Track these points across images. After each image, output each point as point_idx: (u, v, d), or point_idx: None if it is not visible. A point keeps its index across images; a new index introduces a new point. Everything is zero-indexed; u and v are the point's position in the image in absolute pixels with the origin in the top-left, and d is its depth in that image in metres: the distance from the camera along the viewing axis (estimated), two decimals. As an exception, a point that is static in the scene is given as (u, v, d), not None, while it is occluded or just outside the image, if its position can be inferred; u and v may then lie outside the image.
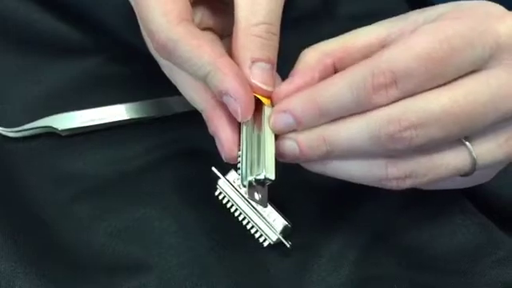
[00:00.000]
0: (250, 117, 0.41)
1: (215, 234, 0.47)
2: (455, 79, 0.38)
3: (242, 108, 0.41)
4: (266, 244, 0.45)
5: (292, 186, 0.47)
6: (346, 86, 0.39)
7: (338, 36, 0.43)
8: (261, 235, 0.45)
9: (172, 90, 0.48)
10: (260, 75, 0.42)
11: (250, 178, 0.41)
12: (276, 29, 0.43)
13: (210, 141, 0.50)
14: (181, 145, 0.51)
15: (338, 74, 0.40)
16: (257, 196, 0.41)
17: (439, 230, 0.46)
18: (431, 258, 0.45)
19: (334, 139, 0.40)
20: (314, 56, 0.43)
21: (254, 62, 0.42)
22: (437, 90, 0.38)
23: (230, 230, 0.46)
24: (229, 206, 0.46)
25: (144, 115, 0.52)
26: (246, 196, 0.42)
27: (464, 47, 0.37)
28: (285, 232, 0.45)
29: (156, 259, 0.45)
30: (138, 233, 0.47)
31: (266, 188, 0.42)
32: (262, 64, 0.42)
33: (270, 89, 0.42)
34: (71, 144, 0.50)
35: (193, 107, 0.51)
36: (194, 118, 0.51)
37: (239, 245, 0.46)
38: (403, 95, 0.38)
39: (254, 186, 0.41)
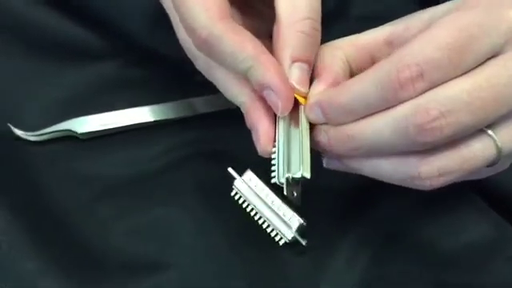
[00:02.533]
0: (288, 112, 0.43)
1: (232, 233, 0.47)
2: (475, 67, 0.39)
3: (282, 102, 0.42)
4: (281, 242, 0.46)
5: (305, 186, 0.48)
6: (371, 83, 0.39)
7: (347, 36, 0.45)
8: (276, 234, 0.46)
9: (189, 91, 0.49)
10: (298, 76, 0.43)
11: (287, 175, 0.42)
12: (319, 25, 0.43)
13: (228, 142, 0.51)
14: (198, 146, 0.52)
15: (362, 73, 0.40)
16: (294, 194, 0.42)
17: (452, 228, 0.47)
18: (444, 256, 0.46)
19: (360, 137, 0.40)
20: (328, 51, 0.44)
21: (294, 61, 0.43)
22: (460, 77, 0.38)
23: (247, 229, 0.47)
24: (245, 205, 0.47)
25: (162, 117, 0.52)
26: (284, 193, 0.42)
27: (481, 35, 0.38)
28: (300, 230, 0.45)
29: (174, 259, 0.46)
30: (156, 232, 0.47)
31: (300, 186, 0.43)
32: (302, 65, 0.43)
33: (305, 90, 0.43)
34: (90, 147, 0.51)
35: (210, 108, 0.52)
36: (211, 120, 0.53)
37: (255, 244, 0.47)
38: (429, 87, 0.38)
39: (289, 184, 0.42)
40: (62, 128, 0.51)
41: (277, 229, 0.46)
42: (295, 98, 0.43)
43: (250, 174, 0.47)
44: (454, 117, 0.38)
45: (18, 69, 0.54)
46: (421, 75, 0.38)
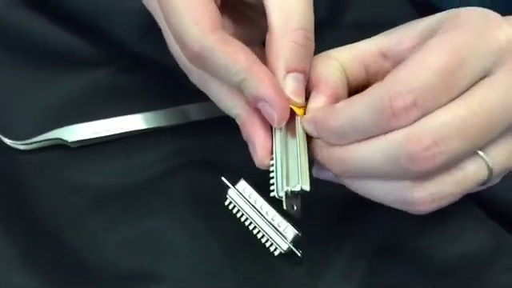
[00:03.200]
0: (284, 123, 0.42)
1: (226, 244, 0.46)
2: (467, 89, 0.38)
3: (277, 114, 0.41)
4: (276, 253, 0.45)
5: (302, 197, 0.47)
6: (363, 109, 0.39)
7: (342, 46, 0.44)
8: (271, 244, 0.45)
9: (184, 97, 0.48)
10: (293, 87, 0.42)
11: (286, 188, 0.41)
12: (312, 35, 0.43)
13: (221, 150, 0.50)
14: (191, 154, 0.51)
15: (355, 97, 0.40)
16: (294, 207, 0.42)
17: (450, 237, 0.46)
18: (442, 265, 0.45)
19: (350, 161, 0.40)
20: (325, 62, 0.43)
21: (288, 72, 0.42)
22: (452, 103, 0.38)
23: (241, 240, 0.46)
24: (239, 215, 0.47)
25: (155, 125, 0.52)
26: (284, 207, 0.42)
27: (472, 56, 0.38)
28: (295, 241, 0.45)
29: (168, 270, 0.45)
30: (150, 244, 0.47)
31: (300, 198, 0.42)
32: (297, 75, 0.42)
33: (301, 101, 0.43)
34: (81, 155, 0.51)
35: (203, 115, 0.52)
36: (204, 127, 0.52)
37: (250, 255, 0.46)
38: (423, 114, 0.38)
39: (288, 197, 0.41)
40: (52, 137, 0.50)
41: (271, 239, 0.45)
42: (291, 109, 0.42)
43: (243, 184, 0.46)
44: (447, 145, 0.37)
45: (7, 76, 0.54)
46: (414, 103, 0.37)
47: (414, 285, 0.45)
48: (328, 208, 0.48)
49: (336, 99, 0.42)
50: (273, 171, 0.42)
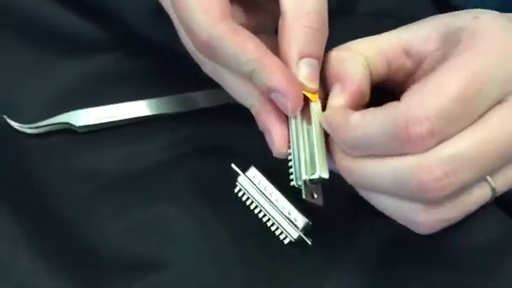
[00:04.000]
0: (299, 111, 0.42)
1: (234, 231, 0.46)
2: (483, 115, 0.38)
3: (291, 103, 0.41)
4: (286, 241, 0.45)
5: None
6: (378, 128, 0.38)
7: (364, 38, 0.44)
8: (281, 232, 0.45)
9: (192, 84, 0.48)
10: (307, 72, 0.42)
11: (305, 177, 0.41)
12: (326, 18, 0.42)
13: (229, 137, 0.50)
14: (198, 141, 0.50)
15: (371, 113, 0.39)
16: (314, 195, 0.42)
17: (461, 230, 0.46)
18: (454, 258, 0.45)
19: (359, 174, 0.40)
20: (350, 57, 0.42)
21: (301, 57, 0.41)
22: (468, 130, 0.37)
23: (249, 227, 0.46)
24: (249, 203, 0.46)
25: (164, 111, 0.51)
26: (303, 196, 0.41)
27: (491, 81, 0.37)
28: (306, 229, 0.45)
29: (175, 256, 0.45)
30: (157, 230, 0.46)
31: (320, 186, 0.42)
32: (311, 61, 0.42)
33: (315, 86, 0.42)
34: (88, 140, 0.50)
35: (211, 103, 0.51)
36: (212, 115, 0.52)
37: (258, 242, 0.46)
38: (438, 141, 0.37)
39: (307, 186, 0.41)
40: (60, 121, 0.49)
41: (282, 227, 0.45)
42: (305, 96, 0.42)
43: (253, 171, 0.46)
44: (458, 176, 0.37)
45: (15, 60, 0.53)
46: (431, 131, 0.36)
47: (424, 277, 0.44)
48: (338, 197, 0.47)
49: (359, 97, 0.42)
50: (291, 160, 0.42)
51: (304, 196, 0.41)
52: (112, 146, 0.50)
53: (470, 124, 0.37)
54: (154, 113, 0.51)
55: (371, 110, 0.39)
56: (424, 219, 0.39)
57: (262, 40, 0.45)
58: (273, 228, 0.45)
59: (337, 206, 0.47)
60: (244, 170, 0.46)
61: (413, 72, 0.43)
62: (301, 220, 0.44)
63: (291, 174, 0.42)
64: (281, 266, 0.45)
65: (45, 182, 0.48)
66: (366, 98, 0.42)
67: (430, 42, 0.42)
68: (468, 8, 0.57)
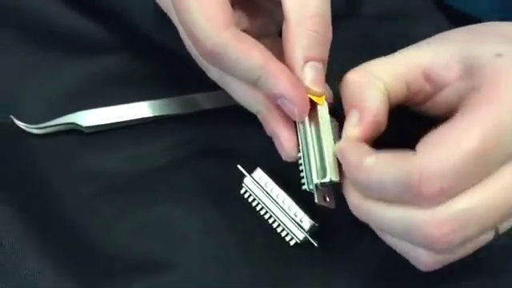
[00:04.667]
0: (306, 116, 0.42)
1: (239, 232, 0.46)
2: (495, 170, 0.37)
3: (298, 108, 0.41)
4: (292, 243, 0.45)
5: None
6: (390, 178, 0.37)
7: (382, 58, 0.42)
8: (287, 234, 0.45)
9: (196, 86, 0.48)
10: (312, 76, 0.42)
11: (316, 181, 0.41)
12: (329, 21, 0.42)
13: (234, 139, 0.50)
14: (204, 143, 0.51)
15: (384, 159, 0.38)
16: (326, 199, 0.42)
17: None
18: (458, 263, 0.45)
19: (366, 214, 0.40)
20: (369, 82, 0.41)
21: (306, 61, 0.41)
22: (480, 186, 0.37)
23: (255, 228, 0.46)
24: (255, 204, 0.46)
25: (168, 112, 0.51)
26: (316, 201, 0.42)
27: (507, 136, 0.37)
28: (312, 231, 0.45)
29: (180, 257, 0.45)
30: (161, 230, 0.46)
31: (331, 188, 0.42)
32: (315, 64, 0.42)
33: (321, 90, 0.42)
34: (94, 141, 0.50)
35: (216, 104, 0.51)
36: (216, 116, 0.51)
37: (264, 243, 0.46)
38: (449, 198, 0.37)
39: (319, 189, 0.41)
40: (66, 121, 0.49)
41: (287, 229, 0.45)
42: (311, 100, 0.42)
43: (259, 172, 0.46)
44: (466, 231, 0.37)
45: (22, 60, 0.53)
46: (444, 190, 0.36)
47: (430, 279, 0.44)
48: (344, 199, 0.48)
49: (376, 127, 0.41)
50: (301, 164, 0.42)
51: (316, 200, 0.41)
52: (117, 146, 0.50)
53: (482, 179, 0.37)
54: (159, 114, 0.51)
55: (387, 156, 0.38)
56: (427, 260, 0.40)
57: (267, 44, 0.45)
58: (279, 229, 0.46)
59: (343, 208, 0.47)
60: (249, 172, 0.46)
61: (432, 95, 0.42)
62: (307, 222, 0.45)
63: (302, 178, 0.42)
64: (286, 267, 0.45)
65: (50, 182, 0.48)
66: (383, 127, 0.42)
67: (451, 70, 0.41)
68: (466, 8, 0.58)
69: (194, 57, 0.46)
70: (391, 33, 0.53)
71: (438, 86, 0.41)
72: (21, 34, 0.54)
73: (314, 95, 0.42)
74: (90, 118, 0.50)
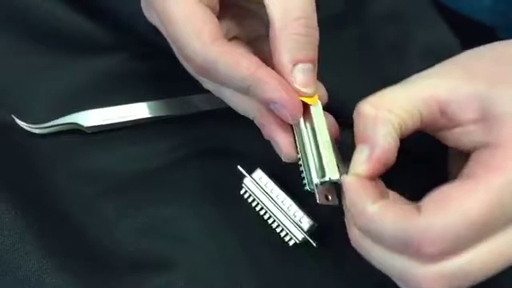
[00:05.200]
0: (299, 118, 0.42)
1: (240, 232, 0.47)
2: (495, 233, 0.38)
3: (290, 112, 0.41)
4: (291, 243, 0.46)
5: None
6: (391, 230, 0.37)
7: (395, 86, 0.41)
8: (286, 234, 0.46)
9: (197, 88, 0.48)
10: (302, 79, 0.42)
11: (316, 181, 0.41)
12: (314, 22, 0.42)
13: (235, 139, 0.50)
14: (205, 143, 0.51)
15: (389, 216, 0.38)
16: (329, 197, 0.42)
17: None
18: None
19: (365, 251, 0.40)
20: (381, 117, 0.40)
21: (294, 64, 0.42)
22: (479, 247, 0.37)
23: (255, 228, 0.47)
24: (254, 204, 0.47)
25: (169, 113, 0.51)
26: (318, 201, 0.42)
27: (510, 204, 0.37)
28: (311, 231, 0.45)
29: (183, 257, 0.46)
30: (164, 230, 0.47)
31: (333, 187, 0.42)
32: (304, 66, 0.42)
33: (312, 91, 0.42)
34: (96, 141, 0.50)
35: (217, 105, 0.52)
36: (217, 116, 0.52)
37: (266, 244, 0.46)
38: (447, 258, 0.37)
39: (320, 189, 0.42)
40: (68, 121, 0.50)
41: (287, 229, 0.46)
42: (304, 102, 0.43)
43: (259, 173, 0.47)
44: (460, 285, 0.37)
45: (24, 60, 0.53)
46: (442, 252, 0.37)
47: None
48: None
49: (385, 163, 0.40)
50: (301, 165, 0.43)
51: (318, 200, 0.42)
52: (119, 146, 0.51)
53: (481, 242, 0.37)
54: (160, 114, 0.52)
55: (390, 208, 0.38)
56: None
57: (258, 47, 0.46)
58: (278, 230, 0.46)
59: (342, 208, 0.48)
60: (249, 172, 0.47)
61: (444, 128, 0.41)
62: (306, 222, 0.45)
63: (303, 179, 0.43)
64: (289, 266, 0.46)
65: (51, 181, 0.48)
66: (393, 163, 0.41)
67: (468, 110, 0.40)
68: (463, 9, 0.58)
69: (187, 70, 0.46)
70: (394, 34, 0.54)
71: (452, 123, 0.41)
72: (24, 34, 0.54)
73: (306, 98, 0.43)
74: (92, 118, 0.50)
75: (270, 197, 0.46)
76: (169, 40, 0.45)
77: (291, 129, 0.44)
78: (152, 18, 0.46)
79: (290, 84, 0.42)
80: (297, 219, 0.45)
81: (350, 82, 0.51)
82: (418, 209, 0.37)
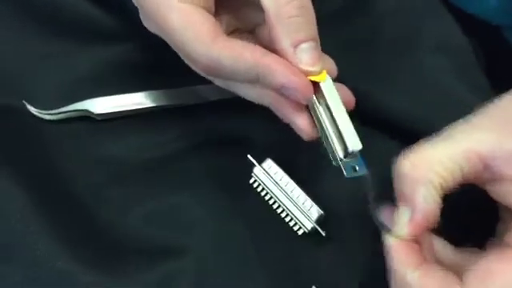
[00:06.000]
0: (310, 97, 0.42)
1: (250, 221, 0.47)
2: None
3: (300, 93, 0.42)
4: (300, 232, 0.46)
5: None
6: None
7: (434, 141, 0.41)
8: (295, 223, 0.46)
9: (204, 78, 0.48)
10: (306, 58, 0.42)
11: (340, 155, 0.42)
12: (307, 1, 0.42)
13: (246, 128, 0.51)
14: (216, 132, 0.51)
15: (426, 285, 0.39)
16: (356, 168, 0.42)
17: None
18: None
19: None
20: (425, 178, 0.40)
21: (296, 46, 0.42)
22: None
23: (264, 217, 0.47)
24: (263, 194, 0.47)
25: (178, 102, 0.52)
26: (345, 175, 0.42)
27: None
28: (320, 221, 0.45)
29: (192, 244, 0.46)
30: (174, 218, 0.47)
31: (359, 156, 0.42)
32: (305, 45, 0.42)
33: (318, 68, 0.42)
34: (105, 128, 0.51)
35: (225, 95, 0.52)
36: (227, 106, 0.52)
37: (274, 232, 0.47)
38: None
39: (345, 162, 0.42)
40: (78, 108, 0.50)
41: (296, 218, 0.46)
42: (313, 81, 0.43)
43: (269, 163, 0.47)
44: None
45: (36, 47, 0.53)
46: None
47: None
48: (353, 187, 0.48)
49: (427, 225, 0.40)
50: (323, 143, 0.43)
51: (345, 174, 0.42)
52: (129, 134, 0.51)
53: None
54: (168, 103, 0.52)
55: (431, 278, 0.39)
56: None
57: (260, 35, 0.46)
58: (287, 219, 0.46)
59: (351, 198, 0.48)
60: (259, 162, 0.47)
61: (486, 181, 0.41)
62: (315, 211, 0.45)
63: (328, 156, 0.43)
64: (297, 253, 0.46)
65: (61, 167, 0.49)
66: (436, 222, 0.41)
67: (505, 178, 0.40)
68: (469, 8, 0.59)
69: (194, 70, 0.46)
70: (402, 29, 0.54)
71: (495, 177, 0.40)
72: (35, 22, 0.54)
73: (313, 76, 0.43)
74: (102, 105, 0.50)
75: (279, 186, 0.46)
76: (172, 47, 0.45)
77: (308, 108, 0.44)
78: (151, 28, 0.46)
79: (296, 66, 0.42)
80: (306, 208, 0.46)
81: (358, 76, 0.52)
82: (460, 279, 0.38)
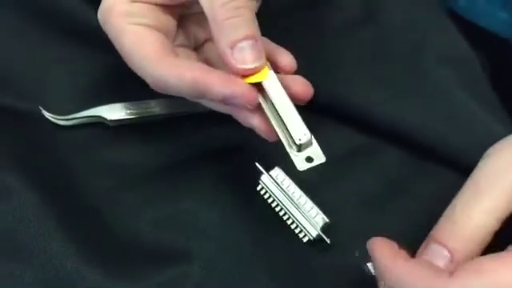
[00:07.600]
0: (255, 102, 0.43)
1: (256, 227, 0.48)
2: None
3: (244, 100, 0.43)
4: (305, 240, 0.47)
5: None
6: None
7: (449, 217, 0.42)
8: (301, 231, 0.47)
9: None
10: (241, 57, 0.42)
11: (289, 150, 0.42)
12: (244, 1, 0.43)
13: (254, 137, 0.51)
14: (225, 140, 0.52)
15: None
16: (313, 157, 0.42)
17: None
18: None
19: None
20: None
21: (232, 47, 0.42)
22: None
23: (271, 223, 0.48)
24: (270, 201, 0.48)
25: (189, 110, 0.53)
26: (298, 169, 0.42)
27: None
28: (325, 228, 0.46)
29: (198, 249, 0.47)
30: (181, 223, 0.48)
31: (313, 144, 0.42)
32: (241, 44, 0.42)
33: (255, 64, 0.43)
34: (118, 134, 0.52)
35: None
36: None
37: (280, 239, 0.47)
38: None
39: (299, 155, 0.42)
40: (92, 114, 0.51)
41: (301, 226, 0.47)
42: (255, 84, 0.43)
43: (277, 171, 0.48)
44: None
45: (52, 54, 0.55)
46: None
47: None
48: (358, 195, 0.49)
49: None
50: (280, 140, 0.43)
51: (298, 167, 0.42)
52: (140, 140, 0.52)
53: None
54: (180, 110, 0.53)
55: (418, 269, 0.39)
56: None
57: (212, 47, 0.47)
58: (293, 226, 0.47)
59: (357, 207, 0.49)
60: (267, 170, 0.48)
61: None
62: (320, 219, 0.46)
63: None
64: (302, 260, 0.47)
65: (74, 172, 0.50)
66: None
67: None
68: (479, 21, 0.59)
69: None
70: (409, 41, 0.55)
71: None
72: (50, 29, 0.55)
73: (253, 74, 0.43)
74: (115, 111, 0.51)
75: (286, 194, 0.47)
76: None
77: (262, 111, 0.44)
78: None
79: (234, 67, 0.42)
80: (311, 216, 0.46)
81: (366, 87, 0.52)
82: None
